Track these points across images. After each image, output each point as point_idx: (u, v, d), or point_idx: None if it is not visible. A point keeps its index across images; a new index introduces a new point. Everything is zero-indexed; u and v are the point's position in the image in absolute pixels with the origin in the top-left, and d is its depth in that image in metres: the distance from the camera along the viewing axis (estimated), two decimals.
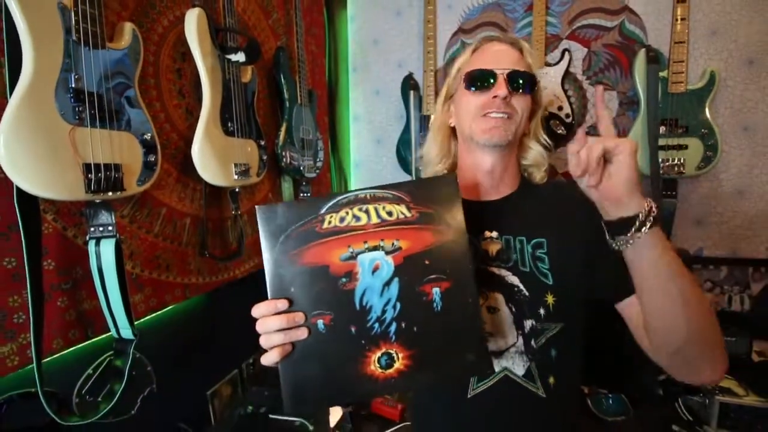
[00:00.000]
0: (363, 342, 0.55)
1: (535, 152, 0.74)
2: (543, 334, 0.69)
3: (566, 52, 1.43)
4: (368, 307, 0.55)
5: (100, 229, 0.74)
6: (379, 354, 0.55)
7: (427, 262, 0.56)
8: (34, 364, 0.67)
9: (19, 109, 0.61)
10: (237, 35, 1.01)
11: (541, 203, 0.74)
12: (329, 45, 1.73)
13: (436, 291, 0.56)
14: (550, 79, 1.43)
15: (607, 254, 0.62)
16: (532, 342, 0.69)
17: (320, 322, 0.55)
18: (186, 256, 1.01)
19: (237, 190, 1.11)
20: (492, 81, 0.69)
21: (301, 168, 1.37)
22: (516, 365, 0.69)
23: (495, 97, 0.68)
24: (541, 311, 0.68)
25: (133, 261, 0.87)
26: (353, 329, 0.55)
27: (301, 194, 1.44)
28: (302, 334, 0.55)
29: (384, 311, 0.55)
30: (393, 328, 0.55)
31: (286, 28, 1.38)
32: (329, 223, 0.55)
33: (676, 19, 1.28)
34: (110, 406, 0.77)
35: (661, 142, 1.31)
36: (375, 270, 0.55)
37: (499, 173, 0.74)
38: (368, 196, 0.56)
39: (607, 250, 0.61)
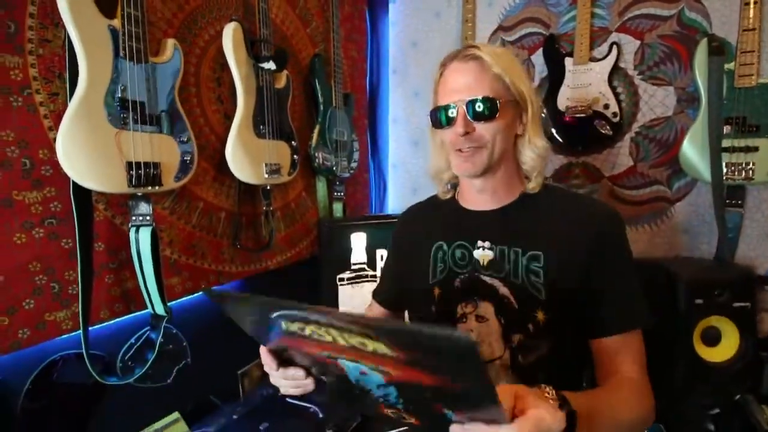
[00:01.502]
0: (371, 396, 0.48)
1: (527, 157, 0.71)
2: (532, 351, 0.66)
3: (614, 46, 1.32)
4: (367, 389, 0.47)
5: (140, 218, 0.86)
6: (389, 411, 0.50)
7: (429, 395, 0.42)
8: (81, 330, 0.80)
9: (74, 115, 0.74)
10: (270, 45, 1.10)
11: (540, 214, 0.71)
12: (371, 50, 1.78)
13: (447, 412, 0.43)
14: (595, 75, 1.34)
15: (602, 289, 0.65)
16: (519, 358, 0.67)
17: (323, 377, 0.56)
18: (220, 245, 1.11)
19: (268, 187, 1.20)
20: (452, 116, 0.67)
21: (334, 168, 1.43)
22: (499, 379, 0.67)
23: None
24: (530, 326, 0.66)
25: (172, 247, 0.99)
26: (357, 391, 0.49)
27: (335, 193, 1.51)
28: (309, 386, 0.60)
29: (385, 396, 0.46)
30: (401, 405, 0.47)
31: (324, 35, 1.45)
32: (287, 327, 0.46)
33: (746, 3, 1.12)
34: (143, 371, 0.89)
35: (726, 143, 1.16)
36: (362, 373, 0.44)
37: (491, 189, 0.73)
38: (326, 322, 0.40)
39: (602, 284, 0.65)
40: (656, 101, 1.32)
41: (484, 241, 0.72)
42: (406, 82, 1.74)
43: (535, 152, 0.70)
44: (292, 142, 1.24)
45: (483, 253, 0.71)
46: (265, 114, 1.12)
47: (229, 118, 1.09)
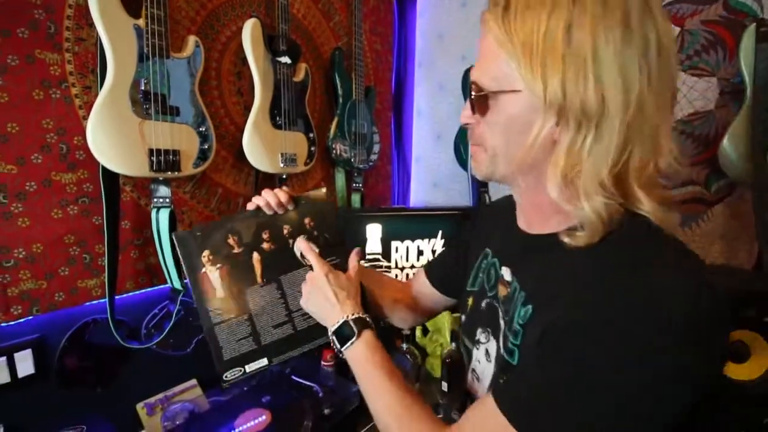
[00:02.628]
0: None
1: (555, 192, 0.44)
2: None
3: None
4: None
5: (161, 200, 0.95)
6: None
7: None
8: (107, 298, 0.90)
9: (102, 106, 0.83)
10: (286, 40, 1.15)
11: (563, 262, 0.47)
12: (399, 43, 1.79)
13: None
14: None
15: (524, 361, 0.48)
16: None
17: None
18: None
19: (285, 176, 1.26)
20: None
21: (352, 160, 1.47)
22: None
23: None
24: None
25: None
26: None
27: (354, 184, 1.55)
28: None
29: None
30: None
31: (347, 29, 1.48)
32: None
33: None
34: (161, 337, 0.99)
35: None
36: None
37: (520, 205, 0.57)
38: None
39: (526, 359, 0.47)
40: (696, 93, 1.21)
41: (507, 266, 0.57)
42: (432, 74, 1.73)
43: (594, 202, 0.42)
44: (310, 134, 1.29)
45: (502, 284, 0.56)
46: (282, 106, 1.18)
47: (248, 109, 1.16)
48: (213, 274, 0.67)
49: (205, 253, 0.67)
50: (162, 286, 1.03)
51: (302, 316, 0.71)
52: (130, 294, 0.98)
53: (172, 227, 0.95)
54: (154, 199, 0.95)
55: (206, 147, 1.01)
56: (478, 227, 0.73)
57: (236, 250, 0.69)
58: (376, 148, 1.58)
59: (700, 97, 1.21)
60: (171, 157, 0.93)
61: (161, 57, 0.90)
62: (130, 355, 1.00)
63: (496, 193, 1.56)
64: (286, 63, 1.16)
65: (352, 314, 0.61)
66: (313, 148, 1.30)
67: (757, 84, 1.06)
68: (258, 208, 0.70)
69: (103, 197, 0.88)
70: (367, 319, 0.62)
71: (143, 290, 1.01)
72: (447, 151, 1.69)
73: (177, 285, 0.99)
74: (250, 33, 1.09)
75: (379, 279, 0.86)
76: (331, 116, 1.44)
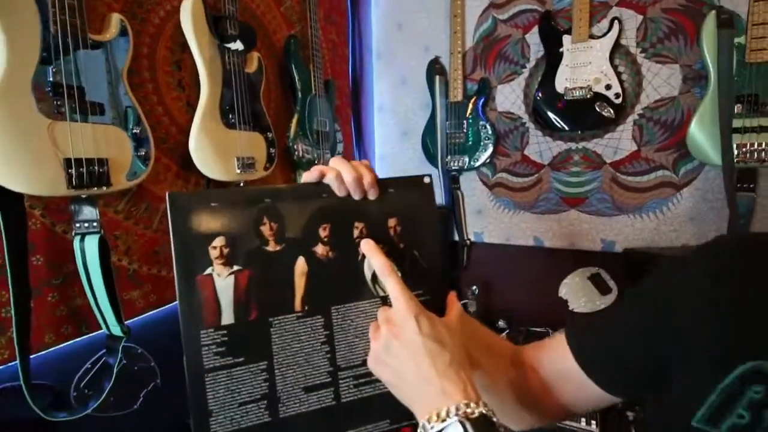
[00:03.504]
0: None
1: None
2: None
3: (616, 21, 1.22)
4: None
5: (85, 225, 0.73)
6: None
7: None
8: (18, 359, 0.67)
9: None
10: (236, 22, 0.97)
11: None
12: (353, 33, 1.66)
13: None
14: (595, 54, 1.24)
15: None
16: None
17: None
18: None
19: (242, 184, 1.07)
20: None
21: (315, 161, 1.31)
22: None
23: None
24: None
25: (130, 257, 0.87)
26: None
27: None
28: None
29: None
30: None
31: (300, 15, 1.32)
32: None
33: None
34: (98, 402, 0.77)
35: (737, 123, 1.08)
36: None
37: None
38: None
39: None
40: (661, 80, 1.23)
41: None
42: (392, 67, 1.62)
43: None
44: (268, 134, 1.11)
45: None
46: (235, 101, 1.00)
47: (192, 107, 0.96)
48: (223, 281, 0.41)
49: (218, 241, 0.41)
50: (94, 334, 0.81)
51: (355, 380, 0.45)
52: (51, 350, 0.76)
53: (105, 257, 0.74)
54: (76, 224, 0.73)
55: (143, 153, 0.81)
56: (727, 303, 0.36)
57: (271, 247, 0.42)
58: (340, 147, 1.44)
59: (664, 83, 1.23)
60: (96, 167, 0.72)
61: (75, 38, 0.69)
62: (57, 427, 0.77)
63: (468, 189, 1.50)
64: (237, 50, 0.98)
65: (467, 405, 0.35)
66: (272, 150, 1.12)
67: (721, 68, 1.09)
68: (319, 183, 0.44)
69: (2, 227, 0.65)
70: (495, 420, 0.35)
71: (69, 342, 0.78)
72: (414, 148, 1.59)
73: (116, 331, 0.78)
74: (190, 12, 0.89)
75: (487, 338, 0.54)
76: (288, 113, 1.28)
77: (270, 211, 0.42)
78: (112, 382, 0.78)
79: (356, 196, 0.44)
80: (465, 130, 1.44)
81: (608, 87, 1.24)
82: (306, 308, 0.43)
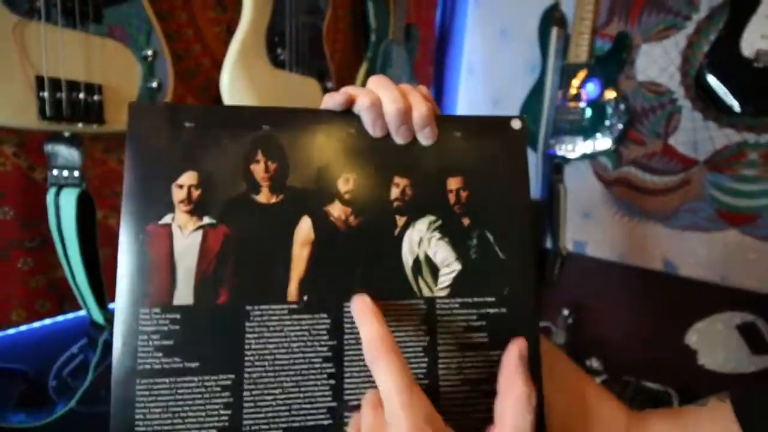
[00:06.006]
0: None
1: None
2: None
3: None
4: None
5: (64, 174, 0.54)
6: None
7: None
8: None
9: None
10: None
11: None
12: None
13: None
14: None
15: None
16: None
17: None
18: None
19: None
20: None
21: None
22: None
23: None
24: None
25: None
26: None
27: None
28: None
29: None
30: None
31: None
32: None
33: None
34: (68, 406, 0.59)
35: None
36: None
37: None
38: None
39: None
40: None
41: None
42: (492, 17, 1.28)
43: None
44: (327, 83, 0.86)
45: None
46: (288, 33, 0.75)
47: (233, 33, 0.73)
48: (185, 237, 0.27)
49: (187, 177, 0.27)
50: (81, 312, 0.64)
51: None
52: (22, 329, 0.59)
53: (86, 220, 0.54)
54: (53, 170, 0.53)
55: (155, 85, 0.59)
56: None
57: (263, 197, 0.28)
58: None
59: None
60: (83, 95, 0.52)
61: None
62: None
63: (575, 184, 1.14)
64: None
65: None
66: None
67: None
68: (346, 113, 0.29)
69: None
70: None
71: (47, 322, 0.61)
72: None
73: (97, 317, 0.59)
74: None
75: (592, 401, 0.35)
76: (357, 60, 1.01)
77: (268, 144, 0.28)
78: (89, 379, 0.60)
79: (400, 139, 0.29)
80: (584, 103, 1.08)
81: None
82: (304, 299, 0.27)
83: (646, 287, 1.09)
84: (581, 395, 0.34)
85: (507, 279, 0.29)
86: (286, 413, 0.26)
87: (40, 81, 0.49)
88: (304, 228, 0.28)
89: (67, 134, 0.53)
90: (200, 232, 0.27)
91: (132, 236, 0.26)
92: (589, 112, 1.08)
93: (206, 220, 0.27)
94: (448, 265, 0.29)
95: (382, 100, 0.28)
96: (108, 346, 0.65)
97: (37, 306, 0.59)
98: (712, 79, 0.91)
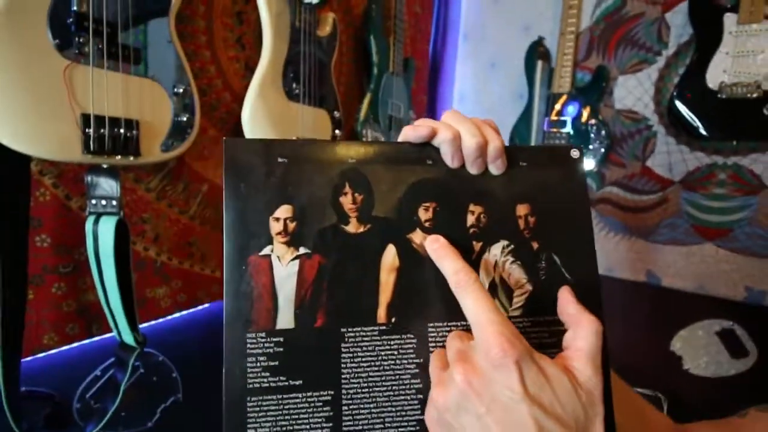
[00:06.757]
0: None
1: None
2: None
3: None
4: None
5: (102, 202, 0.57)
6: None
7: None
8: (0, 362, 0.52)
9: None
10: None
11: None
12: (439, 8, 1.43)
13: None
14: None
15: None
16: None
17: None
18: None
19: None
20: None
21: None
22: None
23: None
24: None
25: (159, 246, 0.71)
26: None
27: None
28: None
29: None
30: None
31: None
32: None
33: None
34: (98, 427, 0.61)
35: None
36: None
37: None
38: None
39: None
40: None
41: None
42: (481, 49, 1.38)
43: None
44: (335, 113, 0.92)
45: None
46: (302, 69, 0.81)
47: (251, 71, 0.79)
48: (284, 267, 0.29)
49: (283, 210, 0.29)
50: (107, 336, 0.66)
51: None
52: (52, 352, 0.61)
53: (122, 246, 0.57)
54: (91, 200, 0.57)
55: (185, 119, 0.64)
56: None
57: (352, 227, 0.30)
58: None
59: None
60: (123, 130, 0.56)
61: None
62: None
63: None
64: (310, 4, 0.79)
65: None
66: (338, 132, 0.93)
67: None
68: (425, 145, 0.31)
69: None
70: None
71: (75, 345, 0.63)
72: None
73: (128, 338, 0.61)
74: None
75: (639, 404, 0.40)
76: (359, 92, 1.08)
77: (354, 177, 0.30)
78: (117, 404, 0.62)
79: (474, 170, 0.31)
80: (568, 130, 1.17)
81: None
82: (393, 320, 0.30)
83: (633, 298, 1.16)
84: (640, 412, 0.36)
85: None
86: (380, 425, 0.29)
87: (85, 118, 0.53)
88: (390, 255, 0.30)
89: (105, 166, 0.57)
90: (297, 262, 0.29)
91: (235, 267, 0.28)
92: (574, 137, 1.17)
93: (302, 250, 0.29)
94: (521, 286, 0.31)
95: (462, 133, 0.30)
96: (143, 358, 0.67)
97: (67, 329, 0.61)
98: (682, 108, 1.01)
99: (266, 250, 0.29)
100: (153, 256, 0.70)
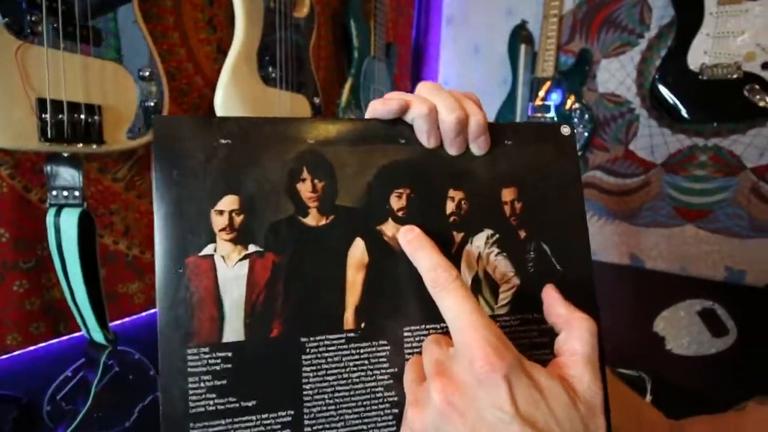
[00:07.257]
0: None
1: None
2: None
3: None
4: None
5: (64, 193, 0.54)
6: None
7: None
8: None
9: None
10: None
11: None
12: None
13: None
14: (752, 21, 0.92)
15: None
16: None
17: None
18: None
19: None
20: None
21: None
22: None
23: None
24: None
25: (129, 239, 0.67)
26: None
27: None
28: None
29: None
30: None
31: None
32: None
33: None
34: (69, 429, 0.58)
35: None
36: None
37: None
38: None
39: None
40: None
41: None
42: (464, 33, 1.35)
43: None
44: (315, 98, 0.89)
45: None
46: (278, 52, 0.78)
47: (224, 54, 0.75)
48: (230, 269, 0.25)
49: (227, 202, 0.25)
50: (77, 334, 0.63)
51: None
52: (16, 353, 0.58)
53: (87, 240, 0.54)
54: (52, 191, 0.53)
55: (152, 105, 0.60)
56: None
57: (312, 219, 0.26)
58: None
59: None
60: (83, 116, 0.53)
61: None
62: None
63: None
64: None
65: None
66: None
67: None
68: (397, 122, 0.27)
69: None
70: None
71: (42, 344, 0.60)
72: None
73: (98, 337, 0.58)
74: None
75: (635, 403, 0.37)
76: (340, 77, 1.05)
77: (314, 160, 0.26)
78: (88, 404, 0.59)
79: (453, 149, 0.27)
80: (552, 114, 1.16)
81: (765, 66, 0.92)
82: (362, 326, 0.26)
83: (617, 281, 1.17)
84: (637, 413, 0.35)
85: (565, 292, 0.27)
86: None
87: (41, 103, 0.49)
88: (357, 251, 0.26)
89: (66, 155, 0.53)
90: (246, 262, 0.25)
91: (169, 271, 0.24)
92: (558, 121, 1.16)
93: (252, 248, 0.25)
94: (507, 281, 0.27)
95: (438, 108, 0.26)
96: (118, 356, 0.65)
97: (31, 329, 0.58)
98: (663, 90, 1.01)
99: (208, 250, 0.24)
100: (123, 249, 0.67)
